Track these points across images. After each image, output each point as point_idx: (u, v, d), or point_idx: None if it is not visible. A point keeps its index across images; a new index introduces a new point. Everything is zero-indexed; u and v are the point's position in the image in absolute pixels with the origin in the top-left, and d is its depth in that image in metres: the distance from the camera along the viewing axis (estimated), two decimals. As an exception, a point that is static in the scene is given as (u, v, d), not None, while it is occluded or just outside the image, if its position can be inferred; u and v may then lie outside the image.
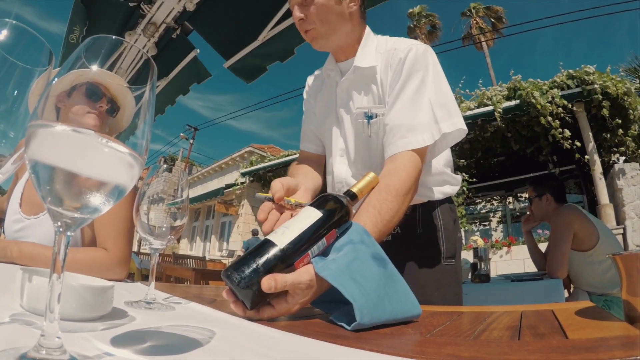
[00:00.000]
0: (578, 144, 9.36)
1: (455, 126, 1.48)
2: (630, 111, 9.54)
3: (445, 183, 1.70)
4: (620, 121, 9.75)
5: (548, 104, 9.35)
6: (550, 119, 9.35)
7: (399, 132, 1.45)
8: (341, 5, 1.59)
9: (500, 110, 9.81)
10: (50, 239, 1.63)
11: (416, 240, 1.66)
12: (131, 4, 3.74)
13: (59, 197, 0.45)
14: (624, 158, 10.41)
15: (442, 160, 1.69)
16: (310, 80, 1.98)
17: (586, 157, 9.56)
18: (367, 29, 1.72)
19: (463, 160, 11.69)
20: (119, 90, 0.50)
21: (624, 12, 14.77)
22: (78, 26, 3.64)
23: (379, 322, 0.84)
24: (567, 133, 9.35)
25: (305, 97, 1.99)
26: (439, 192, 1.68)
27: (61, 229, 0.47)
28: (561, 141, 9.49)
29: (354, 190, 1.15)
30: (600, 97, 9.17)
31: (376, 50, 1.65)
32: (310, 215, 0.99)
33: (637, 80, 10.13)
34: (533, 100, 9.37)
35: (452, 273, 1.64)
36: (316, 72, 1.96)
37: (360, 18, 1.69)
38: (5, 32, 0.56)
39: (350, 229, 1.05)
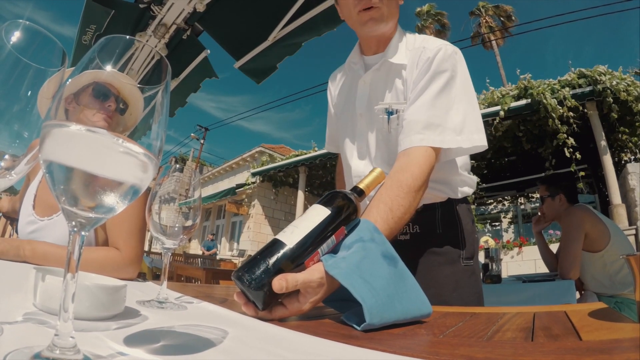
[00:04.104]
0: (579, 155, 9.26)
1: (473, 143, 1.47)
2: (637, 116, 9.43)
3: (465, 184, 1.69)
4: (626, 129, 9.68)
5: (558, 107, 9.25)
6: (558, 122, 9.27)
7: (415, 127, 1.44)
8: None
9: (506, 109, 9.73)
10: (65, 240, 1.65)
11: (436, 240, 1.63)
12: (141, 6, 3.76)
13: (74, 196, 0.45)
14: (633, 157, 10.32)
15: (460, 162, 1.68)
16: (332, 76, 1.98)
17: (581, 172, 9.49)
18: (398, 25, 1.71)
19: (473, 162, 11.63)
20: (130, 90, 0.50)
21: (635, 9, 14.65)
22: (91, 27, 3.67)
23: (389, 322, 0.84)
24: (571, 141, 9.26)
25: (329, 98, 1.99)
26: (460, 192, 1.67)
27: (75, 229, 0.47)
28: (563, 148, 9.41)
29: (361, 186, 1.15)
30: (611, 100, 9.07)
31: (406, 47, 1.65)
32: (319, 214, 0.99)
33: None
34: (544, 101, 9.29)
35: (470, 273, 1.62)
36: (338, 69, 1.95)
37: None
38: (18, 33, 0.56)
39: (360, 226, 1.04)
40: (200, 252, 19.62)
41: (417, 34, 1.71)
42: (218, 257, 17.89)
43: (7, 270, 1.27)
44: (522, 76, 10.25)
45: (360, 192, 1.13)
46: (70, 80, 0.47)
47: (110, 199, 0.46)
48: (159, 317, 0.83)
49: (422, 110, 1.47)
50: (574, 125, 9.27)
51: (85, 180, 0.45)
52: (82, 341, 0.52)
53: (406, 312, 0.89)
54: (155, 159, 0.49)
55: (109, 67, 0.48)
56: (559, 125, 9.26)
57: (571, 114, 9.30)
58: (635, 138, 9.93)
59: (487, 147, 1.51)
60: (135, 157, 0.47)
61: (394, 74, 1.62)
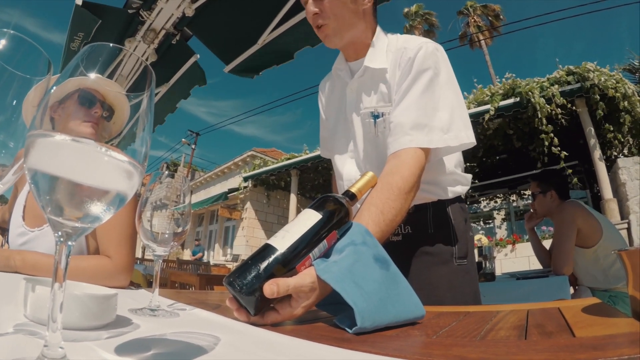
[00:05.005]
0: (564, 153, 9.33)
1: (461, 141, 1.47)
2: (623, 113, 9.49)
3: (457, 183, 1.68)
4: (611, 127, 9.75)
5: (546, 105, 9.29)
6: (545, 122, 9.31)
7: (402, 129, 1.43)
8: (355, 3, 1.59)
9: (496, 106, 9.76)
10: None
11: (427, 240, 1.63)
12: (130, 11, 3.75)
13: (59, 206, 0.45)
14: (623, 152, 10.37)
15: (453, 161, 1.67)
16: (322, 84, 1.98)
17: (569, 170, 9.56)
18: (378, 27, 1.71)
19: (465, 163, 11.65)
20: (115, 97, 0.50)
21: (623, 6, 14.76)
22: (79, 34, 3.65)
23: (381, 326, 0.83)
24: (556, 141, 9.32)
25: (320, 106, 1.99)
26: (451, 191, 1.66)
27: (62, 239, 0.46)
28: (547, 148, 9.46)
29: (353, 190, 1.14)
30: (598, 97, 9.13)
31: (387, 49, 1.64)
32: (310, 218, 0.98)
33: (637, 78, 10.07)
34: (533, 100, 9.33)
35: (464, 273, 1.61)
36: (327, 76, 1.95)
37: (372, 16, 1.69)
38: (3, 42, 0.56)
39: (352, 229, 1.03)
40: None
41: (399, 35, 1.71)
42: (212, 263, 17.85)
43: (-3, 281, 1.26)
44: (505, 76, 10.35)
45: (352, 196, 1.12)
46: (55, 88, 0.47)
47: (96, 208, 0.46)
48: (151, 325, 0.83)
49: (408, 111, 1.46)
50: (562, 121, 9.31)
51: (70, 189, 0.45)
52: (73, 351, 0.52)
53: (399, 315, 0.88)
54: (140, 167, 0.49)
55: (93, 75, 0.48)
56: (545, 126, 9.31)
57: (559, 110, 9.34)
58: (620, 135, 9.99)
59: (475, 144, 1.50)
60: (120, 166, 0.47)
61: (378, 78, 1.62)
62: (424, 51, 1.51)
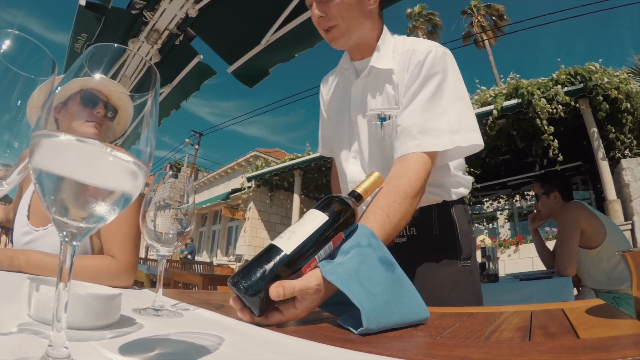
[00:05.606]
0: (561, 157, 9.33)
1: (470, 142, 1.47)
2: (625, 114, 9.47)
3: (460, 185, 1.69)
4: (613, 127, 9.73)
5: (548, 105, 9.28)
6: (545, 123, 9.30)
7: (410, 133, 1.43)
8: (361, 4, 1.58)
9: (499, 108, 9.76)
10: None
11: (433, 241, 1.63)
12: (134, 12, 3.75)
13: (64, 206, 0.45)
14: (624, 153, 10.34)
15: (456, 164, 1.68)
16: (325, 79, 1.96)
17: (560, 167, 9.57)
18: (385, 28, 1.70)
19: (467, 166, 11.65)
20: (119, 97, 0.50)
21: (626, 5, 14.72)
22: (83, 35, 3.66)
23: (386, 327, 0.83)
24: (555, 144, 9.32)
25: (321, 102, 1.98)
26: (455, 193, 1.67)
27: (67, 239, 0.46)
28: (552, 151, 9.45)
29: (359, 190, 1.13)
30: (601, 98, 9.12)
31: (393, 50, 1.64)
32: (316, 219, 0.97)
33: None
34: (534, 101, 9.32)
35: (468, 274, 1.62)
36: (332, 71, 1.93)
37: (378, 16, 1.68)
38: (8, 42, 0.56)
39: (357, 231, 1.03)
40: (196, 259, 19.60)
41: (405, 37, 1.70)
42: (215, 263, 17.86)
43: (1, 281, 1.27)
44: (510, 76, 10.36)
45: (358, 197, 1.12)
46: (59, 88, 0.47)
47: (101, 208, 0.46)
48: (155, 325, 0.83)
49: (415, 115, 1.46)
50: (560, 114, 9.30)
51: (75, 189, 0.45)
52: (77, 351, 0.52)
53: (403, 317, 0.88)
54: (145, 167, 0.49)
55: (97, 75, 0.48)
56: (546, 127, 9.30)
57: (560, 107, 9.33)
58: (622, 136, 9.97)
59: (483, 147, 1.50)
60: (125, 166, 0.47)
61: (384, 79, 1.62)
62: (434, 55, 1.51)
